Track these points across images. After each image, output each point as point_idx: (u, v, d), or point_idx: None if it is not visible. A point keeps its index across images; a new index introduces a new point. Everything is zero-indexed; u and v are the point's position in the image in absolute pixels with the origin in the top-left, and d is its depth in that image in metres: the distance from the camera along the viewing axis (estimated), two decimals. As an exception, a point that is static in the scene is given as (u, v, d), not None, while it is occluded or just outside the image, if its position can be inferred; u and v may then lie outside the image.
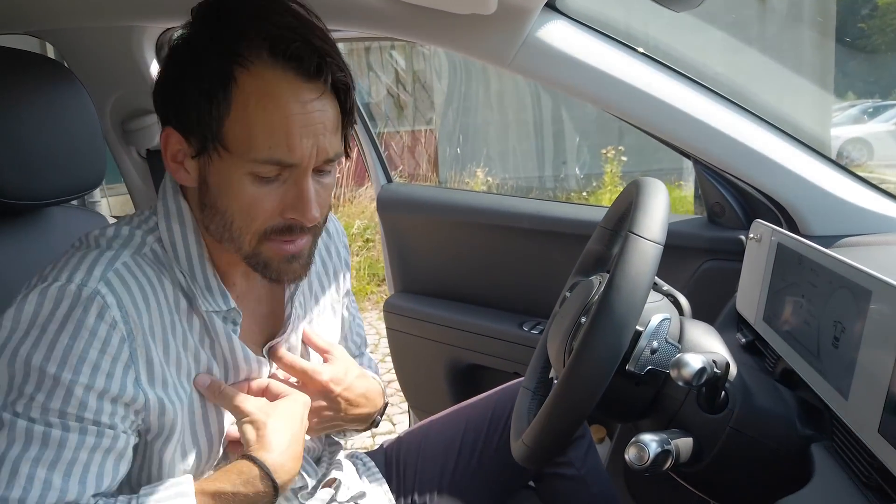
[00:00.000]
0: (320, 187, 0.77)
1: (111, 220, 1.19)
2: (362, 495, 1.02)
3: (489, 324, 1.68)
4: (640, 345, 0.81)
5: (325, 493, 0.96)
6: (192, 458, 0.80)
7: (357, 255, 4.80)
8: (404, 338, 1.83)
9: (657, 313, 0.83)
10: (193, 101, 0.73)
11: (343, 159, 0.80)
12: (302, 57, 0.70)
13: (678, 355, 0.75)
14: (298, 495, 0.93)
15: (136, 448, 0.77)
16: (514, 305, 1.70)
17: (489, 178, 6.24)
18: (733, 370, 0.84)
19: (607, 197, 5.52)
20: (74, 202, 1.11)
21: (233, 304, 0.82)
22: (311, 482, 0.94)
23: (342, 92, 0.75)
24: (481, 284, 1.75)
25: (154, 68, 1.40)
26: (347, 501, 1.00)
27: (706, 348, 0.85)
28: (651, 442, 0.76)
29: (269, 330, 0.90)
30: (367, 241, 5.01)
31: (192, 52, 0.74)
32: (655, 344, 0.81)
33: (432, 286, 1.83)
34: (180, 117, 0.75)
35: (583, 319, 0.86)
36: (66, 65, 1.35)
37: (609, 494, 1.13)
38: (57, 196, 1.01)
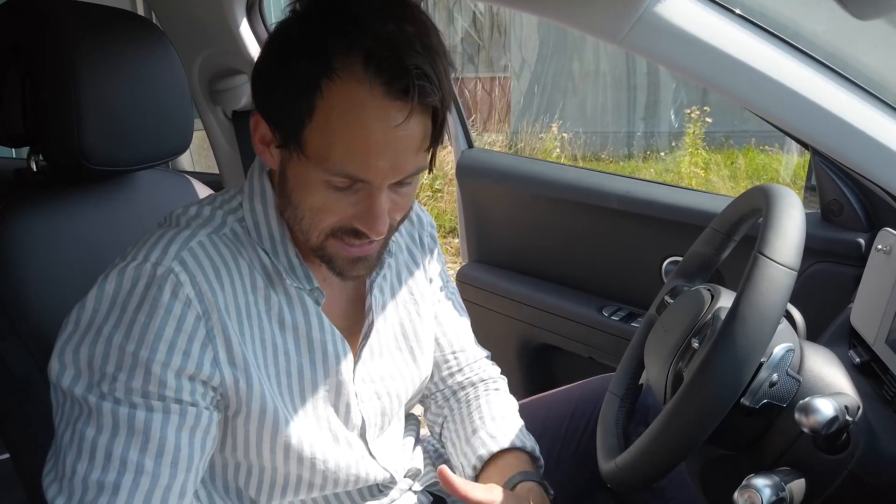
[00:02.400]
0: (398, 196, 0.74)
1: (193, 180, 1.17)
2: (436, 484, 1.00)
3: (566, 304, 1.62)
4: (760, 377, 0.74)
5: (404, 483, 0.94)
6: (280, 438, 0.78)
7: (426, 205, 4.77)
8: (476, 309, 1.78)
9: (781, 343, 0.75)
10: (281, 97, 0.70)
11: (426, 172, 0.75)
12: (393, 75, 0.65)
13: (807, 399, 0.68)
14: (381, 488, 0.91)
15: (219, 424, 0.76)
16: (593, 288, 1.63)
17: (563, 134, 6.05)
18: (860, 411, 0.76)
19: (687, 160, 5.28)
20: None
21: (316, 283, 0.81)
22: (398, 477, 0.92)
23: (434, 110, 0.70)
24: (560, 262, 1.69)
25: (245, 28, 1.36)
26: (423, 490, 0.98)
27: (830, 384, 0.77)
28: (765, 488, 0.69)
29: (351, 317, 0.88)
30: (437, 191, 4.95)
31: (288, 45, 0.70)
32: (776, 377, 0.74)
33: (509, 259, 1.77)
34: (269, 108, 0.73)
35: (695, 343, 0.79)
36: (155, 22, 1.31)
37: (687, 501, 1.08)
38: (144, 162, 0.99)
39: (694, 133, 5.33)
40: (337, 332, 0.83)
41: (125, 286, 0.70)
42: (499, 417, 0.97)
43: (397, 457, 0.95)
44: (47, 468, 0.70)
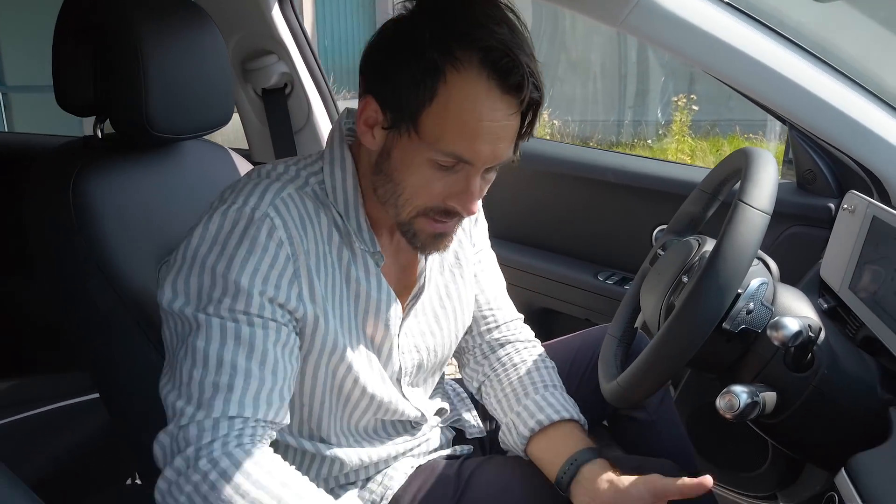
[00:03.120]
0: (483, 182, 0.84)
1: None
2: (458, 419, 1.13)
3: (564, 271, 1.75)
4: (738, 305, 0.87)
5: (433, 420, 1.07)
6: (342, 368, 0.89)
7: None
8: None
9: (756, 277, 0.89)
10: (401, 82, 0.78)
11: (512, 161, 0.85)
12: (508, 72, 0.76)
13: (777, 318, 0.81)
14: (413, 425, 1.04)
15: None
16: (589, 255, 1.76)
17: (554, 122, 6.18)
18: (823, 334, 0.89)
19: (673, 147, 5.43)
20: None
21: (378, 248, 0.91)
22: (429, 416, 1.04)
23: (531, 108, 0.80)
24: (559, 233, 1.82)
25: (276, 12, 1.47)
26: (447, 426, 1.10)
27: (798, 312, 0.91)
28: (742, 393, 0.83)
29: (403, 280, 0.98)
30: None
31: (412, 37, 0.79)
32: (752, 305, 0.87)
33: (510, 231, 1.90)
34: (384, 91, 0.81)
35: (684, 279, 0.93)
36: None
37: (679, 441, 1.21)
38: (195, 131, 1.11)
39: (681, 121, 5.48)
40: (392, 292, 0.94)
41: (226, 226, 0.80)
42: (550, 386, 1.06)
43: (428, 400, 1.08)
44: (163, 381, 0.81)
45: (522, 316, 1.18)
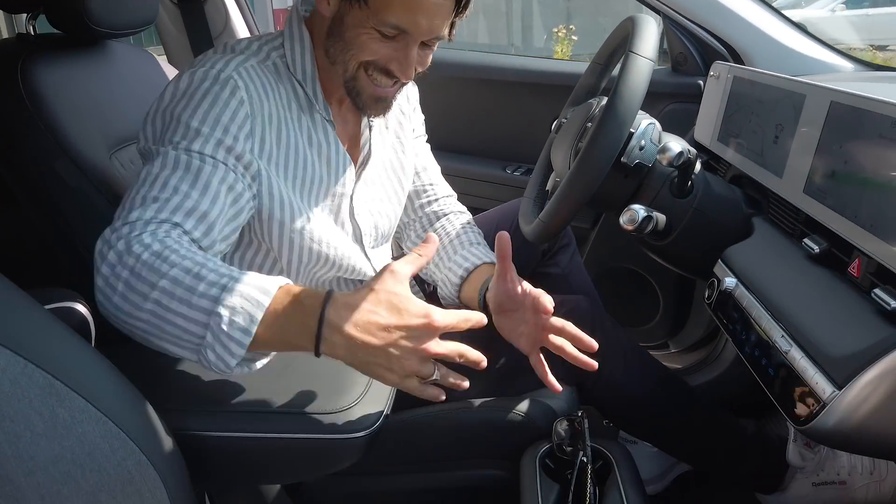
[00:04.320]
0: (423, 54, 0.96)
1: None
2: (411, 285, 1.26)
3: (477, 168, 1.91)
4: (632, 144, 1.05)
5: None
6: (297, 223, 0.98)
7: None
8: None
9: (645, 119, 1.07)
10: None
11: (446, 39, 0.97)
12: None
13: (664, 142, 1.00)
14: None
15: (248, 238, 0.97)
16: (499, 153, 1.92)
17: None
18: (698, 166, 1.09)
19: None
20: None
21: (331, 115, 1.03)
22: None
23: None
24: (469, 135, 1.96)
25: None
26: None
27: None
28: (639, 210, 1.02)
29: (352, 153, 1.09)
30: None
31: None
32: (643, 143, 1.06)
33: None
34: None
35: (588, 125, 1.10)
36: None
37: (588, 289, 1.41)
38: (127, 27, 1.16)
39: (562, 52, 5.73)
40: (347, 156, 1.06)
41: (194, 83, 0.90)
42: (473, 244, 1.21)
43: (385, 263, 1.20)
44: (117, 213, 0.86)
45: (455, 194, 1.33)
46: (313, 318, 0.72)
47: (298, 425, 0.80)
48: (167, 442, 0.75)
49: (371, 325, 0.72)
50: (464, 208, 1.31)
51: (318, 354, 0.73)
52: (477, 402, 1.06)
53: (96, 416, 0.67)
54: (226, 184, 0.87)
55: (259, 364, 0.79)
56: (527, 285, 0.98)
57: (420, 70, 0.98)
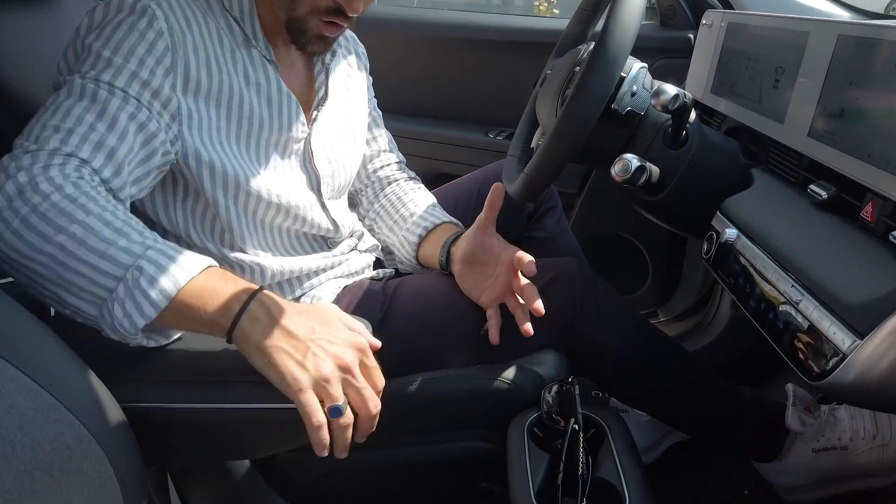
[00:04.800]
0: None
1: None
2: (376, 248, 1.19)
3: (458, 133, 1.83)
4: (623, 89, 0.97)
5: (351, 241, 1.12)
6: (230, 186, 0.91)
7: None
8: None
9: (636, 63, 0.99)
10: None
11: None
12: None
13: (658, 85, 0.92)
14: (328, 241, 1.09)
15: (183, 183, 0.90)
16: (481, 117, 1.84)
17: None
18: (693, 115, 1.02)
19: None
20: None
21: (272, 55, 0.95)
22: (343, 232, 1.09)
23: None
24: (448, 99, 1.88)
25: None
26: (365, 251, 1.16)
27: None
28: (632, 159, 0.94)
29: (304, 96, 1.02)
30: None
31: None
32: (634, 88, 0.98)
33: (401, 105, 1.94)
34: None
35: (576, 69, 1.02)
36: None
37: (574, 251, 1.34)
38: None
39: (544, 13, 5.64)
40: (293, 96, 0.97)
41: (110, 13, 0.83)
42: (430, 206, 1.18)
43: (344, 218, 1.13)
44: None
45: (405, 159, 1.29)
46: (246, 292, 0.71)
47: (260, 394, 0.72)
48: (113, 414, 0.67)
49: (300, 318, 0.72)
50: (414, 175, 1.29)
51: (230, 333, 0.70)
52: (460, 370, 0.99)
53: (28, 386, 0.59)
54: (135, 121, 0.80)
55: (162, 341, 0.76)
56: (503, 241, 1.00)
57: (362, 10, 0.92)
